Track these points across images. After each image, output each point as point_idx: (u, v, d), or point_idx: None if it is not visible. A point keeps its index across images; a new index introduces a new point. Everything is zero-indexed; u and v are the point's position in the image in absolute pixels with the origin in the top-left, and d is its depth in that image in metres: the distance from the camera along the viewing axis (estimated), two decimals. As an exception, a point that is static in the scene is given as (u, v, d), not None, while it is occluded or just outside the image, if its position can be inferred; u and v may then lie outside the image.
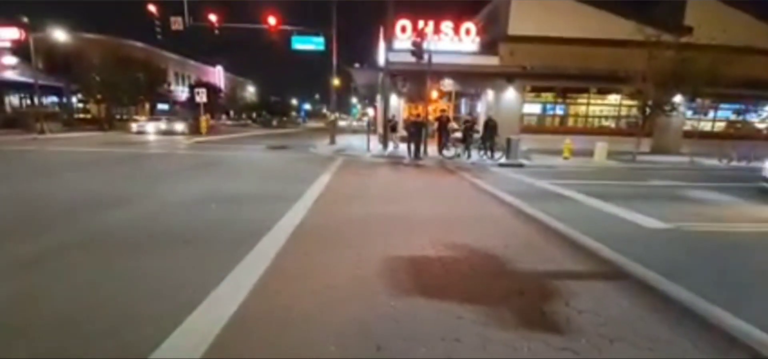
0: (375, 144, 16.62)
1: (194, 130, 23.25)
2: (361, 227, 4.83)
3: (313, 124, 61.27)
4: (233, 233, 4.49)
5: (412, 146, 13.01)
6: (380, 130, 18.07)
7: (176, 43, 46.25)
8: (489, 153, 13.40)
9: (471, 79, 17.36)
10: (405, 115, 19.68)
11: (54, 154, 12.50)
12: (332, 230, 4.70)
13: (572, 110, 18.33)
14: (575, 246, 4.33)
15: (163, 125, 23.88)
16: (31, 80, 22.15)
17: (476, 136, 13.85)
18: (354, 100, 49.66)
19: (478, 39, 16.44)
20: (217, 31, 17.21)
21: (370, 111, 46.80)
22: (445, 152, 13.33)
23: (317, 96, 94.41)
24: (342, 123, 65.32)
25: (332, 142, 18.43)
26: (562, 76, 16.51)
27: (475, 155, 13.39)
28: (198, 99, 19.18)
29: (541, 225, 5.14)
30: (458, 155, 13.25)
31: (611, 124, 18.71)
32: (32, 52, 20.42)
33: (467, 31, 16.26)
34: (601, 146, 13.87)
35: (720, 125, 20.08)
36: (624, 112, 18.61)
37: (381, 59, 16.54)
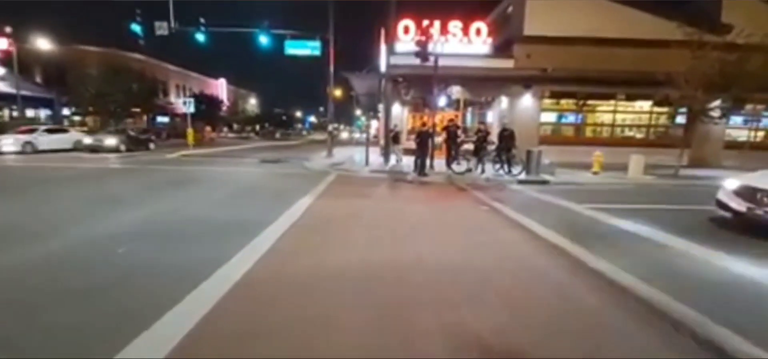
0: (376, 157, 14.92)
1: (201, 139, 21.80)
2: (327, 300, 3.05)
3: (317, 136, 60.04)
4: (86, 319, 2.72)
5: (418, 159, 11.25)
6: (381, 141, 16.40)
7: (181, 57, 45.75)
8: (506, 167, 11.58)
9: (482, 84, 15.66)
10: (409, 125, 18.06)
11: (12, 169, 11.02)
12: (279, 314, 2.90)
13: (597, 118, 16.45)
14: (711, 346, 2.49)
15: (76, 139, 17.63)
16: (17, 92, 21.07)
17: (490, 148, 12.04)
18: (358, 112, 48.41)
19: (490, 40, 14.79)
20: (204, 35, 15.84)
21: (374, 123, 45.47)
22: (454, 166, 11.54)
23: (322, 108, 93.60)
24: (344, 135, 64.41)
25: (329, 155, 16.79)
26: (586, 81, 14.71)
27: (489, 169, 11.59)
28: (185, 109, 17.80)
29: (623, 294, 3.27)
30: (470, 170, 11.45)
31: (640, 134, 16.76)
32: (15, 62, 19.33)
33: (478, 32, 14.63)
34: (636, 160, 11.96)
35: (757, 135, 17.98)
36: (654, 120, 16.71)
37: (382, 64, 14.96)
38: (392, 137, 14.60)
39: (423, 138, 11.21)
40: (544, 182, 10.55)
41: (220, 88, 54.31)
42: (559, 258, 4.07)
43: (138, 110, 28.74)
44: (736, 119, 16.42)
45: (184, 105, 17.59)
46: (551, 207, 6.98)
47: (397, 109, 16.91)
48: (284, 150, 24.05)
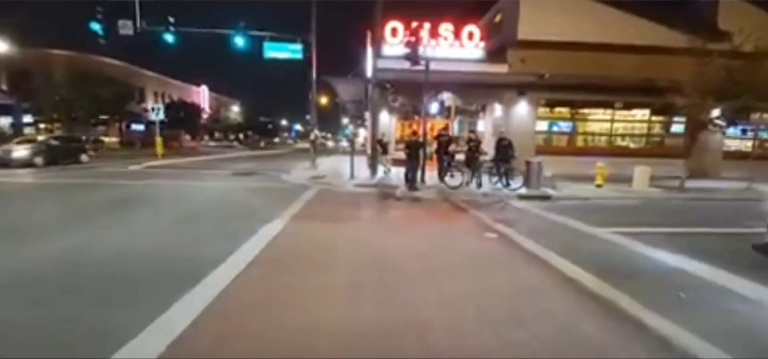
0: (363, 168, 13.77)
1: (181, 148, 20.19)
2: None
3: (303, 145, 58.43)
4: None
5: (408, 172, 10.14)
6: (369, 151, 15.28)
7: (163, 63, 43.94)
8: (503, 180, 10.58)
9: (474, 91, 14.77)
10: (397, 134, 17.02)
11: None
12: None
13: (594, 127, 15.75)
14: None
15: None
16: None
17: (483, 158, 11.05)
18: (345, 120, 47.28)
19: (482, 44, 13.92)
20: (172, 36, 14.49)
21: (362, 131, 44.36)
22: (447, 179, 10.46)
23: (308, 117, 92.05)
24: (330, 144, 62.94)
25: (312, 166, 15.54)
26: (585, 87, 13.99)
27: (485, 182, 10.57)
28: (153, 116, 16.27)
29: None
30: (467, 183, 10.40)
31: (635, 143, 16.11)
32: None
33: (470, 35, 13.74)
34: (641, 171, 11.16)
35: (749, 145, 17.61)
36: (651, 130, 16.14)
37: (368, 69, 13.90)
38: (380, 147, 13.51)
39: (413, 148, 10.11)
40: (547, 197, 9.58)
41: (201, 95, 52.39)
42: (609, 319, 2.95)
43: (106, 117, 26.82)
44: (732, 129, 16.01)
45: (152, 112, 16.07)
46: (567, 232, 5.93)
47: (384, 117, 15.86)
48: (265, 160, 22.64)
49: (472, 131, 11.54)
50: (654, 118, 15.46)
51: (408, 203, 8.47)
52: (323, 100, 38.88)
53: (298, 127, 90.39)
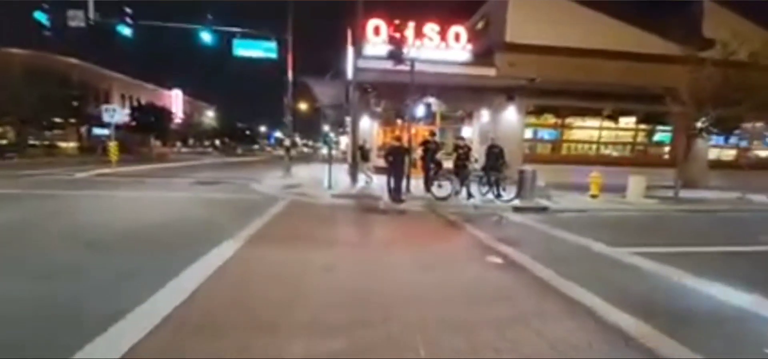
0: (343, 176, 12.65)
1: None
2: None
3: (282, 152, 56.48)
4: None
5: (392, 181, 9.10)
6: (349, 158, 14.21)
7: (136, 67, 41.50)
8: (494, 190, 9.72)
9: (461, 96, 14.01)
10: (380, 141, 16.03)
11: None
12: None
13: (581, 134, 15.29)
14: None
15: None
16: None
17: (474, 166, 10.17)
18: (326, 127, 46.00)
19: (470, 46, 13.19)
20: (129, 29, 13.01)
21: (343, 139, 43.15)
22: (434, 189, 9.47)
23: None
24: (306, 151, 61.12)
25: (286, 174, 14.28)
26: (576, 93, 13.48)
27: (476, 192, 9.67)
28: (107, 118, 14.55)
29: None
30: (455, 194, 9.47)
31: (618, 152, 15.76)
32: None
33: (457, 37, 12.98)
34: (636, 181, 10.55)
35: (730, 153, 17.70)
36: (636, 138, 15.87)
37: (349, 70, 12.88)
38: (361, 154, 12.45)
39: (397, 156, 9.07)
40: (544, 210, 8.76)
41: (174, 99, 49.86)
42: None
43: (60, 119, 24.49)
44: (716, 138, 15.98)
45: (106, 113, 14.39)
46: (580, 253, 5.02)
47: (366, 122, 14.85)
48: (238, 168, 21.12)
49: (461, 138, 10.66)
50: (642, 126, 15.16)
51: (392, 218, 7.41)
52: (303, 105, 37.65)
53: (277, 134, 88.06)
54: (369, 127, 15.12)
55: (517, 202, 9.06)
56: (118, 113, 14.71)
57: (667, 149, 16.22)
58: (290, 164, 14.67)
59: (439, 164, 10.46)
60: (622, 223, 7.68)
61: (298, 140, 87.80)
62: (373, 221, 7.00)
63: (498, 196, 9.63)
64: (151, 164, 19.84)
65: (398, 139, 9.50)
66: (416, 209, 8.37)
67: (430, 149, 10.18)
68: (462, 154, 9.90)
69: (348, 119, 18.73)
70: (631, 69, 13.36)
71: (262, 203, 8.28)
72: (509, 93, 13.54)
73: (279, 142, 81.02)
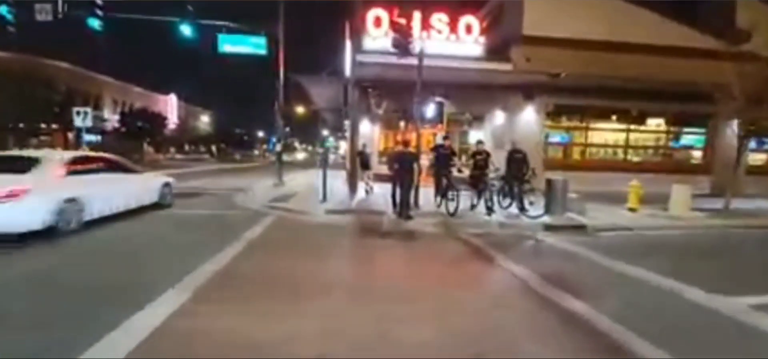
0: (340, 185, 11.19)
1: None
2: None
3: (284, 157, 54.76)
4: None
5: (397, 193, 7.60)
6: (347, 165, 12.77)
7: (132, 72, 40.28)
8: (518, 203, 8.23)
9: (471, 94, 12.56)
10: (381, 145, 14.59)
11: None
12: None
13: (606, 137, 13.82)
14: None
15: None
16: None
17: (493, 175, 8.63)
18: (325, 132, 44.61)
19: (482, 39, 11.78)
20: (99, 22, 11.61)
21: (343, 144, 41.55)
22: (449, 203, 7.92)
23: (288, 128, 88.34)
24: (300, 156, 59.43)
25: (279, 183, 12.80)
26: (601, 92, 12.04)
27: (496, 206, 8.16)
28: (78, 122, 13.08)
29: None
30: (472, 208, 7.99)
31: (645, 156, 14.26)
32: None
33: (468, 28, 11.55)
34: (681, 191, 9.05)
35: (760, 158, 16.20)
36: (662, 141, 14.41)
37: (347, 67, 11.45)
38: (360, 161, 10.99)
39: (404, 163, 7.54)
40: (581, 228, 7.27)
41: (168, 104, 48.49)
42: None
43: (43, 124, 23.10)
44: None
45: (78, 117, 12.94)
46: (679, 310, 3.53)
47: (366, 126, 13.38)
48: (229, 175, 19.66)
49: (480, 142, 9.12)
50: (672, 128, 13.72)
51: (401, 244, 5.91)
52: (300, 109, 36.24)
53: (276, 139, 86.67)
54: (369, 130, 13.68)
55: (546, 218, 7.56)
56: (89, 117, 13.20)
57: (696, 152, 14.72)
58: (282, 172, 13.17)
59: (450, 172, 8.89)
60: (686, 248, 6.17)
61: (297, 144, 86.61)
62: (377, 251, 5.49)
63: (522, 210, 8.13)
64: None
65: (405, 143, 7.99)
66: (428, 229, 6.87)
67: (442, 155, 8.65)
68: (481, 161, 8.44)
69: (346, 123, 17.30)
70: (662, 65, 11.93)
71: (240, 222, 6.78)
72: (527, 91, 12.08)
73: (290, 146, 79.61)
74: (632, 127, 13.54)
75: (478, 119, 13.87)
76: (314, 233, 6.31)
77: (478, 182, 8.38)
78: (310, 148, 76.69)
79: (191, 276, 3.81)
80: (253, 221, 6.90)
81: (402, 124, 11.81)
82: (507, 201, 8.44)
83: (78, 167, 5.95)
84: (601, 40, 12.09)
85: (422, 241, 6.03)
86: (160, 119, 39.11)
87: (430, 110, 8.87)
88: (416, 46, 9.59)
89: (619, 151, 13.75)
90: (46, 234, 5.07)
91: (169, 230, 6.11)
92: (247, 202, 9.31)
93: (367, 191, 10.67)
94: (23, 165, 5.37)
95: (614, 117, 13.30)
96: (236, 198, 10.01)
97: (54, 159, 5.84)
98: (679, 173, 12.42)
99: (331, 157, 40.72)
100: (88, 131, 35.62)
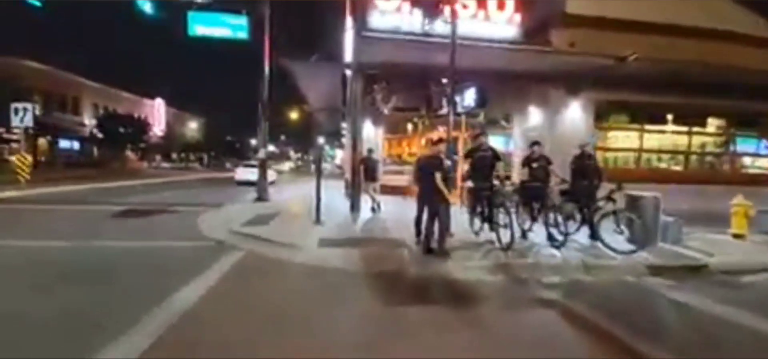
0: (339, 201, 8.73)
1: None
2: None
3: (276, 166, 51.99)
4: None
5: (425, 217, 5.13)
6: (347, 175, 10.36)
7: (115, 74, 37.76)
8: (589, 229, 5.80)
9: (504, 88, 10.19)
10: (385, 152, 12.28)
11: None
12: None
13: (665, 141, 11.50)
14: None
15: None
16: None
17: (556, 187, 6.13)
18: (321, 140, 42.05)
19: (518, 18, 9.49)
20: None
21: (339, 153, 38.77)
22: (500, 230, 5.41)
23: (283, 137, 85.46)
24: (287, 166, 56.78)
25: (260, 198, 10.29)
26: (660, 87, 9.75)
27: (554, 232, 5.71)
28: (16, 121, 10.49)
29: None
30: (524, 233, 5.58)
31: (695, 165, 11.92)
32: None
33: (500, 4, 9.28)
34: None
35: None
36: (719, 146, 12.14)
37: (348, 50, 9.02)
38: (364, 171, 8.53)
39: (432, 173, 5.03)
40: (698, 268, 4.84)
41: (155, 109, 45.77)
42: None
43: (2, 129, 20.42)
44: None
45: (16, 115, 10.44)
46: None
47: (368, 129, 10.98)
48: (208, 186, 17.17)
49: (537, 144, 6.49)
50: (740, 132, 11.43)
51: (450, 315, 3.39)
52: (294, 114, 33.79)
53: (271, 147, 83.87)
54: (373, 134, 11.29)
55: (645, 254, 5.11)
56: (28, 115, 10.68)
57: (762, 162, 12.40)
58: (266, 185, 10.64)
59: (491, 186, 6.36)
60: None
61: (292, 153, 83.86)
62: (413, 338, 2.96)
63: (594, 237, 5.71)
64: (102, 183, 15.75)
65: (436, 141, 5.44)
66: (480, 275, 4.38)
67: (483, 160, 6.11)
68: (538, 169, 6.00)
69: (344, 124, 14.93)
70: (733, 52, 9.72)
71: (186, 267, 4.24)
72: (572, 84, 9.76)
73: (272, 155, 76.97)
74: (695, 129, 11.20)
75: (506, 119, 11.54)
76: (295, 291, 3.82)
77: (535, 199, 5.96)
78: (303, 156, 74.23)
79: None
80: (207, 264, 4.38)
81: (429, 115, 9.42)
82: (574, 226, 5.99)
83: None
84: (657, 22, 9.86)
85: (485, 306, 3.54)
86: (144, 125, 36.46)
87: (469, 96, 6.40)
88: (437, 27, 7.28)
89: (680, 157, 11.40)
90: None
91: (63, 291, 3.54)
92: (210, 228, 6.76)
93: (373, 209, 8.19)
94: None
95: (675, 117, 10.93)
96: (199, 221, 7.43)
97: None
98: (735, 185, 10.03)
99: (327, 166, 38.11)
100: (65, 136, 32.99)
